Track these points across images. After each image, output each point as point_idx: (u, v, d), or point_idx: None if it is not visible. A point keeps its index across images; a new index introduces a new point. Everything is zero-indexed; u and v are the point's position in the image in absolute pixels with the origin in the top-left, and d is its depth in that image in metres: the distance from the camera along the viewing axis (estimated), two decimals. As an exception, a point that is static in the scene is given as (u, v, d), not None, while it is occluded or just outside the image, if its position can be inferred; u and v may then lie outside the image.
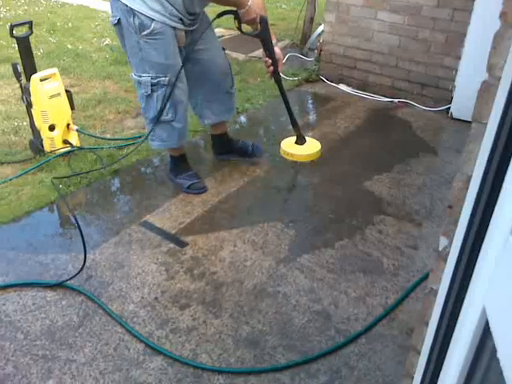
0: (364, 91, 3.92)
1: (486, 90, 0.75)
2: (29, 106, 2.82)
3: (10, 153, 2.94)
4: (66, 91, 2.89)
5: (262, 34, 2.41)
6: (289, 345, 1.75)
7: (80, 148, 2.94)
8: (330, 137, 3.23)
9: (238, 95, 3.79)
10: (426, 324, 0.97)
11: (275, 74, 2.54)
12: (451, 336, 0.83)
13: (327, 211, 2.49)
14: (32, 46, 2.82)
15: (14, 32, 2.68)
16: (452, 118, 3.48)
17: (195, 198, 2.57)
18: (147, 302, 1.92)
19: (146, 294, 1.96)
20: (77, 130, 2.94)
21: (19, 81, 2.81)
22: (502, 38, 0.70)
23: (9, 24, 2.72)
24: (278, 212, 2.48)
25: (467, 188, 0.80)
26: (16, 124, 3.26)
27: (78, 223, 2.17)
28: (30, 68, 2.79)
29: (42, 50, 4.59)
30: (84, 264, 2.03)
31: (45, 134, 2.84)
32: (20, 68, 2.78)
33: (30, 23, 2.80)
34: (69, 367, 1.66)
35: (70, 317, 1.85)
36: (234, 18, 2.30)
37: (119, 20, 2.18)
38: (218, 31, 5.41)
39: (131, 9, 2.11)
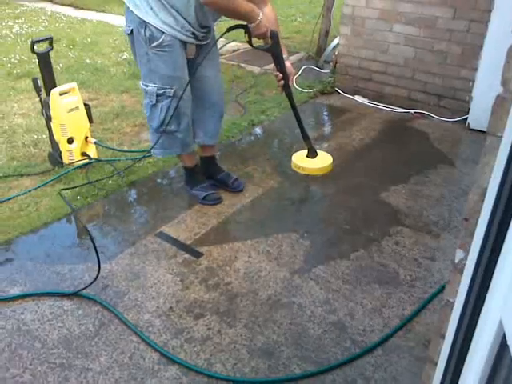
0: (380, 103, 3.92)
1: (501, 104, 0.75)
2: (48, 119, 2.89)
3: (30, 165, 3.00)
4: (85, 105, 2.95)
5: (273, 49, 2.42)
6: (304, 355, 1.74)
7: (98, 160, 2.99)
8: (345, 148, 3.23)
9: (253, 107, 3.84)
10: (443, 336, 0.96)
11: (286, 88, 2.55)
12: (468, 348, 0.83)
13: (343, 222, 2.48)
14: (52, 60, 2.89)
15: (35, 48, 2.75)
16: (469, 129, 3.45)
17: (210, 209, 2.58)
18: (162, 312, 1.93)
19: (161, 304, 1.97)
20: (95, 143, 2.99)
21: (39, 95, 2.88)
22: (517, 51, 0.70)
23: (30, 40, 2.79)
24: (293, 223, 2.48)
25: (483, 200, 0.80)
26: (36, 137, 3.33)
27: (89, 232, 2.21)
28: (50, 82, 2.85)
29: (61, 65, 4.70)
30: (98, 273, 2.05)
31: (63, 146, 2.90)
32: (40, 82, 2.85)
33: (51, 39, 2.87)
34: (85, 376, 1.67)
35: (87, 326, 1.87)
36: (245, 32, 2.31)
37: (132, 30, 2.23)
38: (234, 45, 5.47)
39: (144, 21, 2.15)
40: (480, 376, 0.76)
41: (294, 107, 2.67)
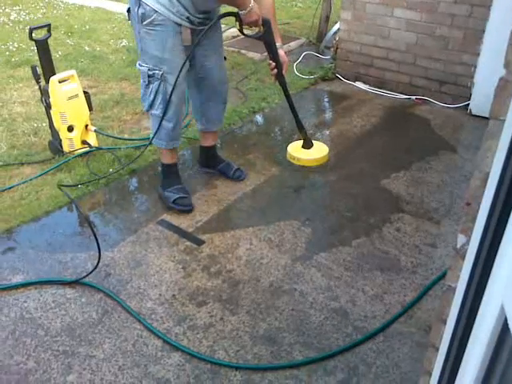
0: (381, 89, 3.89)
1: (504, 87, 0.74)
2: (48, 107, 2.87)
3: (30, 153, 2.99)
4: (84, 92, 2.93)
5: (265, 37, 2.37)
6: (306, 342, 1.75)
7: (98, 148, 2.98)
8: (346, 135, 3.22)
9: (253, 94, 3.82)
10: (444, 322, 0.96)
11: (279, 77, 2.52)
12: (469, 333, 0.83)
13: (344, 209, 2.48)
14: (50, 48, 2.86)
15: (33, 35, 2.72)
16: (471, 115, 3.43)
17: (211, 196, 2.58)
18: (165, 300, 1.94)
19: (163, 292, 1.98)
20: (95, 131, 2.98)
21: (38, 83, 2.86)
22: (520, 33, 0.69)
23: (28, 27, 2.77)
24: (294, 210, 2.48)
25: (485, 185, 0.80)
26: (35, 125, 3.31)
27: (89, 221, 2.21)
28: (49, 70, 2.83)
29: (60, 53, 4.66)
30: (99, 261, 2.05)
31: (64, 134, 2.89)
32: (39, 70, 2.83)
33: (49, 26, 2.84)
34: (88, 363, 1.68)
35: (90, 314, 1.88)
36: (236, 20, 2.25)
37: (129, 9, 2.22)
38: (234, 31, 5.42)
39: (138, 0, 2.12)
40: (481, 360, 0.76)
41: (287, 96, 2.64)
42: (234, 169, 2.72)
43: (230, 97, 3.81)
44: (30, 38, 2.73)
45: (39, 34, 2.86)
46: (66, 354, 1.72)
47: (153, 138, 2.40)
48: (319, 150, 2.89)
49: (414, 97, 3.73)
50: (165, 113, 2.29)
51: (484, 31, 3.22)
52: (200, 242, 2.26)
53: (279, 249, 2.21)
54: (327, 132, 3.29)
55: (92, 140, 2.99)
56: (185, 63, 2.23)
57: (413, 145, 3.09)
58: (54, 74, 2.83)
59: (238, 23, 2.27)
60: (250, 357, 1.70)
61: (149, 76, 2.24)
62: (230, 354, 1.71)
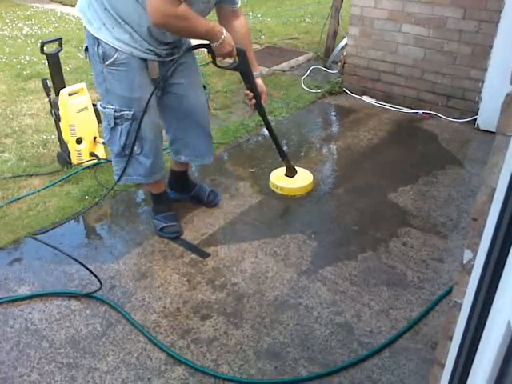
0: (388, 103, 3.90)
1: (510, 103, 0.74)
2: (57, 119, 2.90)
3: (39, 165, 3.02)
4: (93, 105, 2.96)
5: (241, 67, 2.24)
6: (310, 357, 1.73)
7: (106, 160, 3.00)
8: (353, 148, 3.22)
9: (261, 108, 3.83)
10: (450, 338, 0.95)
11: (258, 107, 2.40)
12: (476, 350, 0.82)
13: (350, 223, 2.47)
14: (61, 61, 2.90)
15: (44, 49, 2.77)
16: (478, 130, 3.42)
17: (217, 209, 2.58)
18: (169, 312, 1.94)
19: (168, 304, 1.97)
20: (103, 143, 3.01)
21: (48, 95, 2.90)
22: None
23: (40, 41, 2.81)
24: (300, 224, 2.47)
25: (491, 201, 0.79)
26: (45, 137, 3.35)
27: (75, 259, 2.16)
28: (59, 83, 2.87)
29: (70, 66, 4.73)
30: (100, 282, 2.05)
31: (72, 146, 2.91)
32: (50, 83, 2.87)
33: (60, 40, 2.89)
34: (92, 375, 1.68)
35: (94, 326, 1.88)
36: (208, 52, 2.10)
37: (87, 47, 2.08)
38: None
39: (96, 38, 1.98)
40: (488, 378, 0.75)
41: (267, 125, 2.53)
42: (208, 191, 2.60)
43: (237, 110, 3.85)
44: (42, 51, 2.77)
45: (51, 48, 2.90)
46: (69, 366, 1.71)
47: (119, 179, 2.23)
48: (303, 178, 2.76)
49: (421, 111, 3.73)
50: (141, 150, 2.16)
51: (492, 47, 3.22)
52: (205, 255, 2.25)
53: (284, 262, 2.20)
54: (334, 146, 3.29)
55: (100, 152, 3.01)
56: (150, 99, 2.06)
57: (420, 159, 3.08)
58: (65, 86, 2.87)
59: (209, 55, 2.11)
60: (254, 371, 1.69)
61: (116, 118, 2.09)
62: (234, 369, 1.70)
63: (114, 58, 1.99)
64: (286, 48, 5.38)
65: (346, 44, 4.13)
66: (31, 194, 2.70)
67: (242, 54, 2.18)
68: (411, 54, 3.68)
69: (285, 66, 4.78)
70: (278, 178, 2.77)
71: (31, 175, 2.90)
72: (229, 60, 2.21)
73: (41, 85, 2.94)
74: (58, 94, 2.84)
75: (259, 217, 2.54)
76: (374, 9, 3.74)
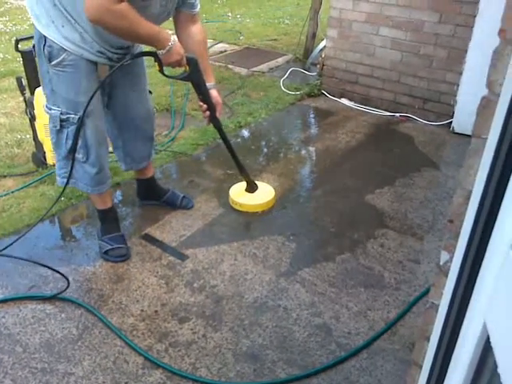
0: (366, 106, 3.94)
1: (486, 106, 0.75)
2: (32, 119, 2.84)
3: (13, 165, 2.95)
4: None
5: (192, 77, 2.09)
6: (289, 359, 1.73)
7: (82, 160, 2.95)
8: (331, 151, 3.24)
9: (240, 109, 3.83)
10: (427, 339, 0.96)
11: (213, 120, 2.26)
12: (452, 351, 0.82)
13: (329, 225, 2.48)
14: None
15: (19, 46, 2.70)
16: (454, 133, 3.48)
17: (195, 211, 2.56)
18: (147, 315, 1.91)
19: (145, 307, 1.95)
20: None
21: (23, 94, 2.84)
22: (501, 54, 0.70)
23: (14, 38, 2.75)
24: (279, 225, 2.48)
25: (468, 203, 0.80)
26: (19, 137, 3.27)
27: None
28: (35, 81, 2.81)
29: (46, 64, 4.64)
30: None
31: (48, 147, 2.85)
32: (24, 81, 2.80)
33: (35, 37, 2.83)
34: (67, 380, 1.64)
35: (70, 330, 1.84)
36: (155, 60, 1.96)
37: (34, 45, 2.01)
38: (221, 46, 5.46)
39: (43, 35, 1.87)
40: (464, 378, 0.76)
41: (224, 139, 2.41)
42: (181, 197, 2.58)
43: (217, 111, 3.83)
44: (16, 49, 2.71)
45: (25, 46, 2.84)
46: (43, 371, 1.67)
47: (67, 182, 2.09)
48: (265, 194, 2.64)
49: (398, 114, 3.78)
50: (87, 158, 2.07)
51: (467, 51, 3.29)
52: (183, 257, 2.23)
53: (264, 264, 2.20)
54: (313, 148, 3.31)
55: (76, 152, 2.95)
56: (90, 102, 1.93)
57: (397, 161, 3.12)
58: (40, 85, 2.81)
59: (157, 64, 1.97)
60: (233, 374, 1.68)
61: (61, 120, 1.98)
62: (213, 372, 1.68)
63: (60, 58, 1.88)
64: (265, 49, 5.39)
65: (325, 46, 4.16)
66: (5, 195, 2.64)
67: (192, 63, 2.04)
68: (388, 57, 3.73)
69: (264, 67, 4.79)
70: (237, 194, 2.63)
71: (5, 176, 2.83)
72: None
73: (15, 83, 2.87)
74: (33, 93, 2.78)
75: (238, 219, 2.53)
76: (353, 11, 3.77)
